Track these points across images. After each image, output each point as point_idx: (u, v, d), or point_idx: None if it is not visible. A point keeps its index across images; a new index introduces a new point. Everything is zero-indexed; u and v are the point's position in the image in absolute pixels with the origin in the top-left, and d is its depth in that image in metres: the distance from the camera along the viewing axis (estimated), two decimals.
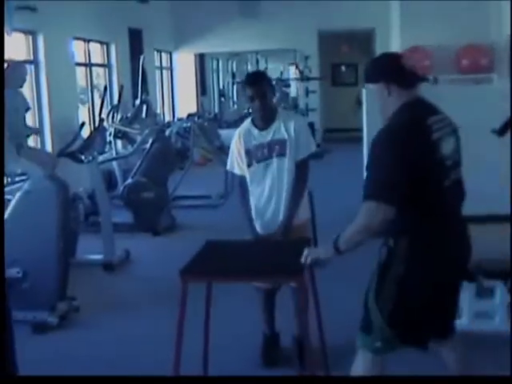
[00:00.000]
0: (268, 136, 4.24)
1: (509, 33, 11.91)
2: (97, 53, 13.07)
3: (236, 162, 4.36)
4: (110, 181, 9.79)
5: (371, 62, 3.34)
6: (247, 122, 4.36)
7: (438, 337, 3.24)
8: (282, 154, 4.21)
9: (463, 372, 3.26)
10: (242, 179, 4.37)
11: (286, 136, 4.20)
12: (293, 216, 4.22)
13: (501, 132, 5.59)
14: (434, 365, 3.46)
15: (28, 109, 8.46)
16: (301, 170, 4.28)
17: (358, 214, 2.97)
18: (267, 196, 4.29)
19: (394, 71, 3.10)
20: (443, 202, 3.03)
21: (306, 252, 3.24)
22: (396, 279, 3.00)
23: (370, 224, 2.94)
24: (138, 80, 12.82)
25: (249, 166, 4.28)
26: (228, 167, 4.44)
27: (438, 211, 3.02)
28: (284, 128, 4.22)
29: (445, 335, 3.26)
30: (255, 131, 4.28)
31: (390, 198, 2.89)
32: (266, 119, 4.25)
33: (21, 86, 8.29)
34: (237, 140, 4.32)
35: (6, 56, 9.28)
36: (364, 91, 8.34)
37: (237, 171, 4.38)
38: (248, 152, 4.26)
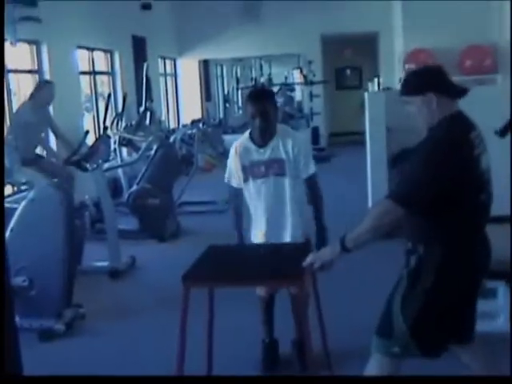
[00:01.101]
0: (266, 154, 4.16)
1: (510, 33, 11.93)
2: (101, 61, 13.13)
3: (233, 175, 4.31)
4: (115, 188, 9.84)
5: (414, 73, 3.30)
6: (245, 137, 4.27)
7: (461, 342, 3.27)
8: (279, 174, 4.16)
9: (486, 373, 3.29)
10: (238, 191, 4.35)
11: (283, 156, 4.13)
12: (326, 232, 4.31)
13: (502, 133, 5.61)
14: (435, 364, 3.48)
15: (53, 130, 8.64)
16: (313, 188, 4.29)
17: (372, 210, 3.05)
18: (264, 210, 4.28)
19: (442, 82, 3.13)
20: (479, 215, 3.10)
21: (311, 257, 3.24)
22: (425, 288, 3.02)
23: (379, 224, 2.99)
24: (142, 87, 12.87)
25: (245, 181, 4.24)
26: (226, 180, 4.38)
27: (473, 223, 3.09)
28: (282, 146, 4.14)
29: (467, 341, 3.28)
30: (252, 147, 4.20)
31: (408, 202, 2.94)
32: (264, 137, 4.16)
33: (48, 104, 8.43)
34: (233, 155, 4.26)
35: (12, 66, 9.38)
36: (366, 95, 8.34)
37: (234, 184, 4.34)
38: (244, 168, 4.22)
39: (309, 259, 3.24)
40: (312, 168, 4.26)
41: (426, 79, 3.15)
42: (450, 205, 2.96)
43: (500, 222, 5.03)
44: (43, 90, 8.35)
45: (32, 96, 8.34)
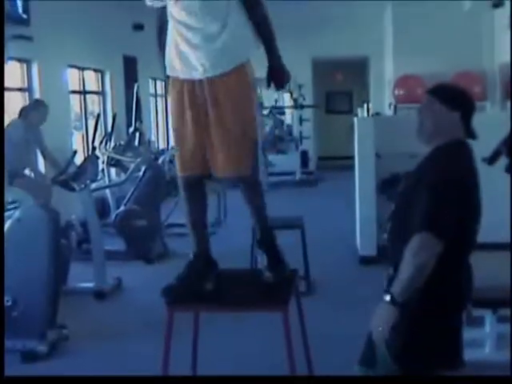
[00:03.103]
0: None
1: (501, 61, 12.03)
2: (91, 80, 13.13)
3: None
4: (102, 208, 9.79)
5: (457, 88, 3.22)
6: None
7: (449, 370, 3.22)
8: None
9: None
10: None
11: None
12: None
13: (491, 161, 5.63)
14: None
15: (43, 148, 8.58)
16: None
17: (410, 251, 2.85)
18: None
19: (469, 114, 3.09)
20: (470, 242, 3.07)
21: (378, 334, 2.95)
22: (410, 314, 2.90)
23: (425, 262, 2.83)
24: (132, 108, 12.87)
25: None
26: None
27: (462, 251, 3.05)
28: None
29: (454, 368, 3.24)
30: None
31: (442, 234, 2.85)
32: None
33: (39, 125, 8.40)
34: None
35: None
36: (355, 120, 8.36)
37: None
38: None
39: (379, 335, 2.95)
40: None
41: (463, 99, 3.11)
42: (454, 233, 2.91)
43: (487, 250, 5.04)
44: (37, 111, 8.29)
45: (24, 115, 8.29)
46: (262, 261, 3.79)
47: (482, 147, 5.44)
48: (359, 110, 9.11)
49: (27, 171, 8.51)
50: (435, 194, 2.89)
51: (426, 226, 2.85)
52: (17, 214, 5.48)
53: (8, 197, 6.01)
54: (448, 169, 2.97)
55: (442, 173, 2.95)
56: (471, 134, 3.12)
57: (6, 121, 8.80)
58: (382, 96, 15.73)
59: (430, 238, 2.83)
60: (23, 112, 8.37)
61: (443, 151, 3.03)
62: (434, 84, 3.19)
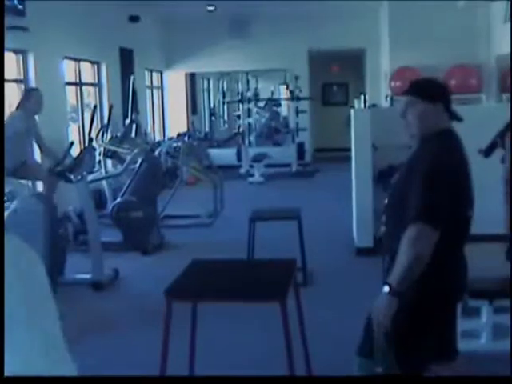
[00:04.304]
0: None
1: (498, 53, 12.04)
2: (87, 72, 13.10)
3: None
4: (99, 200, 9.80)
5: (429, 80, 3.35)
6: None
7: (443, 361, 3.24)
8: None
9: None
10: None
11: None
12: None
13: (487, 153, 5.66)
14: None
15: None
16: None
17: (406, 241, 2.87)
18: None
19: (449, 100, 3.18)
20: (463, 231, 3.10)
21: (379, 324, 2.97)
22: (406, 304, 2.92)
23: (422, 251, 2.85)
24: (129, 99, 12.86)
25: None
26: None
27: (456, 240, 3.08)
28: None
29: (449, 359, 3.26)
30: None
31: (438, 223, 2.87)
32: None
33: (36, 113, 8.38)
34: None
35: None
36: (352, 112, 8.36)
37: None
38: None
39: (380, 326, 2.96)
40: None
41: (441, 90, 3.21)
42: (447, 221, 2.94)
43: (484, 241, 5.06)
44: (32, 98, 8.29)
45: (21, 105, 8.30)
46: None
47: (478, 139, 5.50)
48: (356, 102, 9.12)
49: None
50: (428, 183, 2.92)
51: (421, 216, 2.87)
52: (13, 204, 5.48)
53: (5, 187, 6.01)
54: (439, 157, 3.01)
55: (434, 161, 2.99)
56: (456, 117, 3.19)
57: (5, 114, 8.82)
58: (378, 88, 15.72)
59: (425, 227, 2.85)
60: (20, 103, 8.37)
61: (433, 141, 3.08)
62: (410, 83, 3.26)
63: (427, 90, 3.18)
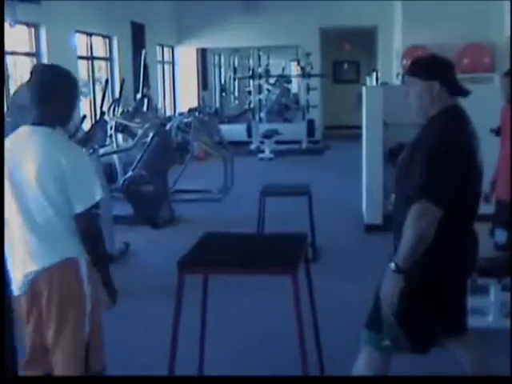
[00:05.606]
0: None
1: (509, 34, 11.96)
2: (99, 46, 13.11)
3: None
4: (110, 174, 9.84)
5: (425, 58, 3.35)
6: None
7: (452, 335, 3.28)
8: None
9: (478, 372, 3.29)
10: None
11: None
12: None
13: (498, 132, 5.66)
14: (434, 363, 3.51)
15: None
16: None
17: (410, 219, 2.90)
18: None
19: (448, 76, 3.15)
20: (471, 207, 3.11)
21: (385, 302, 3.03)
22: (413, 278, 2.96)
23: (426, 229, 2.89)
24: (140, 74, 12.86)
25: None
26: None
27: (465, 216, 3.09)
28: None
29: (458, 333, 3.30)
30: None
31: (441, 200, 2.89)
32: None
33: None
34: None
35: (9, 48, 9.36)
36: (364, 89, 8.35)
37: None
38: None
39: (387, 302, 3.02)
40: None
41: (435, 67, 3.17)
42: (456, 197, 2.95)
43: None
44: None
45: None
46: None
47: (489, 118, 5.49)
48: (367, 79, 9.10)
49: None
50: (432, 160, 2.93)
51: (425, 194, 2.90)
52: None
53: None
54: (443, 134, 3.01)
55: (438, 138, 3.00)
56: (461, 92, 3.17)
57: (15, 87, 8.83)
58: (390, 66, 15.65)
59: (428, 205, 2.88)
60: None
61: (437, 118, 3.09)
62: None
63: (421, 68, 3.18)
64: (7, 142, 3.20)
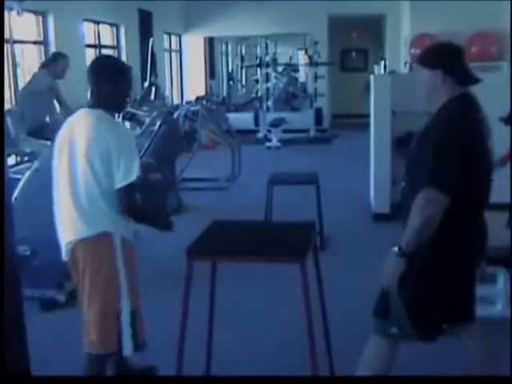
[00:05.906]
0: None
1: None
2: (106, 34, 13.10)
3: None
4: None
5: (433, 47, 3.34)
6: None
7: (459, 323, 3.29)
8: None
9: (486, 361, 3.30)
10: None
11: None
12: None
13: (507, 120, 5.64)
14: (435, 362, 3.52)
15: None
16: None
17: (417, 205, 2.92)
18: None
19: (454, 64, 3.15)
20: (481, 195, 3.12)
21: (386, 284, 3.07)
22: (421, 266, 2.99)
23: (432, 215, 2.91)
24: (147, 62, 12.85)
25: None
26: None
27: (475, 204, 3.10)
28: None
29: (465, 321, 3.31)
30: None
31: (448, 187, 2.90)
32: None
33: (60, 78, 8.40)
34: None
35: (17, 37, 9.37)
36: (372, 77, 8.33)
37: None
38: None
39: (388, 285, 3.06)
40: None
41: (439, 56, 3.17)
42: (465, 184, 2.96)
43: (503, 210, 5.08)
44: (59, 63, 8.32)
45: (46, 66, 8.34)
46: None
47: (499, 107, 5.47)
48: (375, 67, 9.08)
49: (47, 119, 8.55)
50: (440, 148, 2.95)
51: (432, 182, 2.91)
52: (35, 164, 5.53)
53: (26, 147, 6.06)
54: (451, 122, 3.02)
55: (446, 126, 3.01)
56: (470, 80, 3.16)
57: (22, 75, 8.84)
58: (398, 54, 15.60)
59: (436, 193, 2.89)
60: (45, 64, 8.42)
61: (446, 106, 3.09)
62: None
63: (426, 57, 3.20)
64: (65, 125, 3.58)
